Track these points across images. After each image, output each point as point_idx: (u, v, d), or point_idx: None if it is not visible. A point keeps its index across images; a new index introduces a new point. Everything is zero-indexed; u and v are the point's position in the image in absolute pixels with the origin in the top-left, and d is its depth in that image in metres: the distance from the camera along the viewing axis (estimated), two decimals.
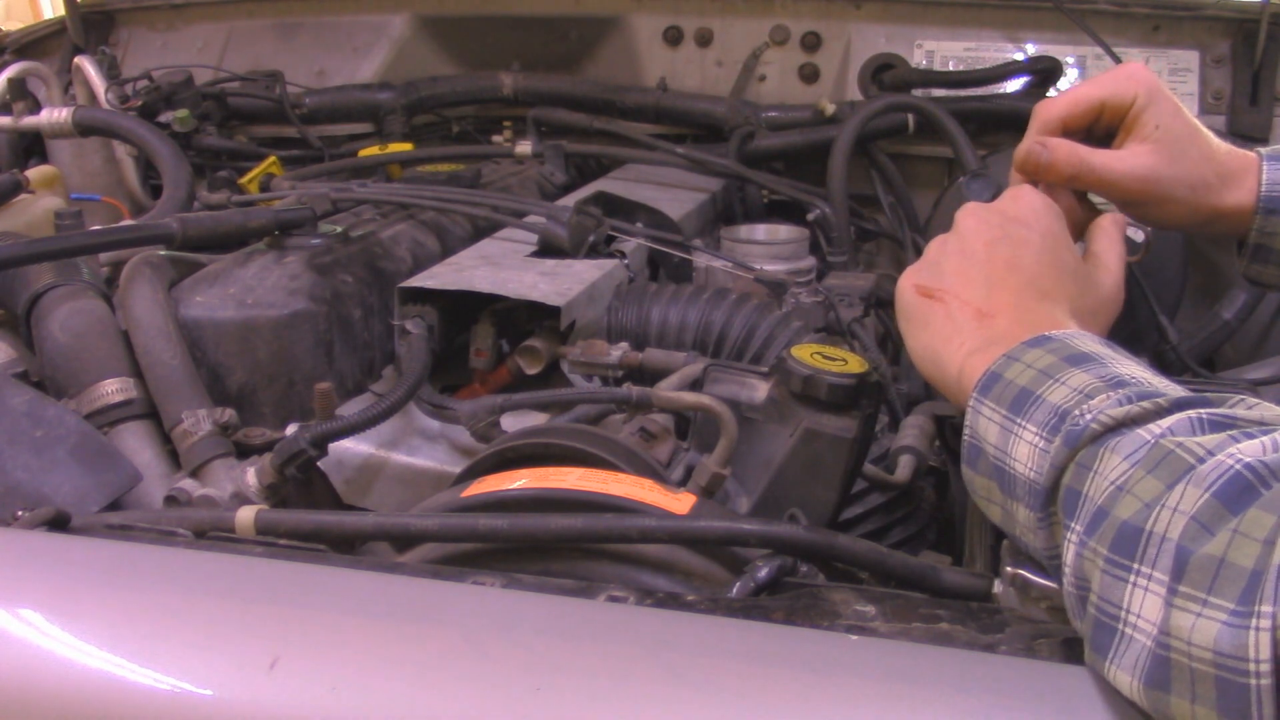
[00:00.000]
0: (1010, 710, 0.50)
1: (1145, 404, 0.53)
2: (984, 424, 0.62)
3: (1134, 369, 0.59)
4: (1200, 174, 0.81)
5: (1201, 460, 0.48)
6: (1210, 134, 0.83)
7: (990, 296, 0.70)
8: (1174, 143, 0.80)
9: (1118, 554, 0.49)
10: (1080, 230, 0.88)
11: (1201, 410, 0.52)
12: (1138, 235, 1.46)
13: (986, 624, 0.58)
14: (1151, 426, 0.52)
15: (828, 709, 0.50)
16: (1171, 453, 0.50)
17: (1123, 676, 0.48)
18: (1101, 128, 0.83)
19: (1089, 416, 0.54)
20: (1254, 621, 0.42)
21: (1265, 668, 0.41)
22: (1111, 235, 0.80)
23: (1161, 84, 0.82)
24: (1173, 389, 0.56)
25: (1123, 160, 0.81)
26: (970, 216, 0.77)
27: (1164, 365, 1.46)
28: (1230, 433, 0.50)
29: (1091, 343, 0.62)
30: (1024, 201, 0.77)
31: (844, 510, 1.00)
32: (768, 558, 0.67)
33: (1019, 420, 0.59)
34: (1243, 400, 0.53)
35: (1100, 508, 0.51)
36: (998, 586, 0.63)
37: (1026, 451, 0.58)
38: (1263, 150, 0.83)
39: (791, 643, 0.56)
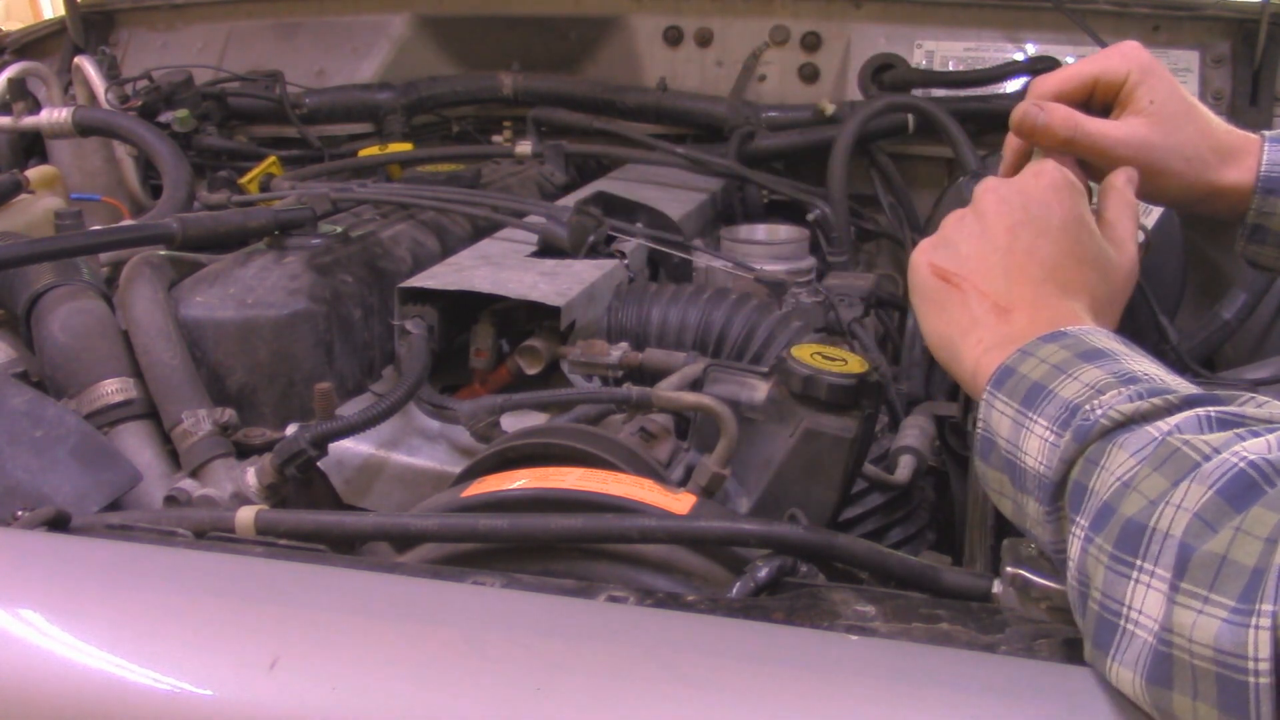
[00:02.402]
0: (1010, 710, 0.50)
1: (1155, 400, 0.54)
2: (996, 417, 0.62)
3: (1147, 366, 0.59)
4: (1196, 147, 0.81)
5: (1207, 458, 0.48)
6: (1209, 112, 0.83)
7: (1010, 290, 0.69)
8: (1169, 116, 0.80)
9: (1121, 550, 0.49)
10: None
11: (1210, 408, 0.52)
12: (1137, 235, 1.46)
13: (986, 624, 0.58)
14: (1160, 424, 0.52)
15: (828, 709, 0.50)
16: (1178, 450, 0.50)
17: (1124, 673, 0.48)
18: (1096, 104, 0.84)
19: (1099, 412, 0.55)
20: (1254, 620, 0.42)
21: (1265, 666, 0.42)
22: (1124, 197, 0.77)
23: (1156, 62, 0.82)
24: (1184, 386, 0.56)
25: (1118, 128, 0.81)
26: (991, 194, 0.74)
27: (1164, 365, 1.46)
28: (1237, 430, 0.50)
29: (1106, 339, 0.63)
30: (1046, 179, 0.74)
31: (844, 510, 1.00)
32: (768, 558, 0.67)
33: (1030, 414, 0.59)
34: (1252, 399, 0.53)
35: (1106, 503, 0.51)
36: (998, 586, 0.63)
37: (1037, 445, 0.58)
38: (1267, 132, 0.83)
39: (791, 643, 0.56)
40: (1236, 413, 0.52)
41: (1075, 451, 0.55)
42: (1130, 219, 0.77)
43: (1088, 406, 0.56)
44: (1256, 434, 0.49)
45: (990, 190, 0.74)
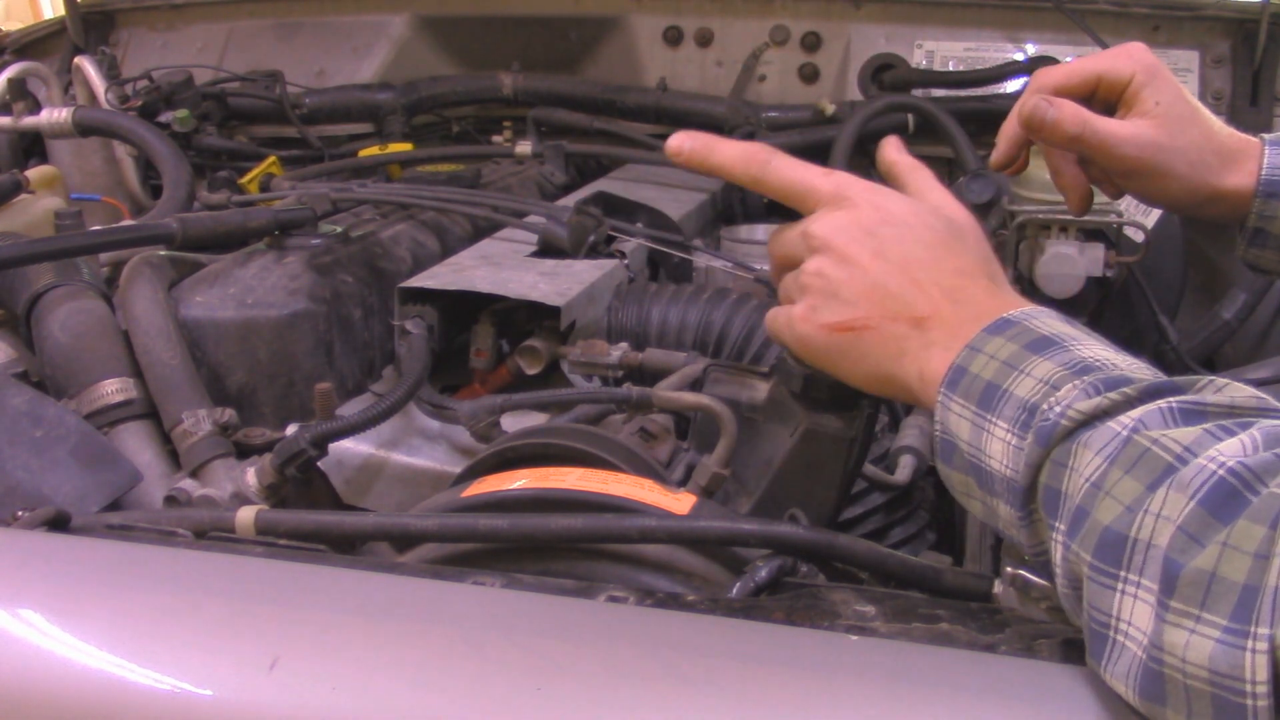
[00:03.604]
0: (1010, 710, 0.50)
1: (1114, 395, 0.52)
2: (955, 420, 0.61)
3: (1097, 349, 0.58)
4: (1200, 151, 0.81)
5: (1180, 459, 0.47)
6: (1211, 115, 0.83)
7: (917, 301, 0.65)
8: (1174, 119, 0.80)
9: (1103, 561, 0.48)
10: (1080, 202, 0.88)
11: (1171, 399, 0.51)
12: (1137, 235, 1.46)
13: (986, 624, 0.58)
14: (1122, 419, 0.51)
15: (828, 709, 0.50)
16: (1147, 450, 0.49)
17: (1118, 684, 0.48)
18: (1099, 102, 0.83)
19: (1058, 410, 0.53)
20: (1250, 643, 0.42)
21: (1263, 689, 0.41)
22: (908, 162, 0.75)
23: (1161, 64, 0.82)
24: (1140, 371, 0.55)
25: (1124, 127, 0.80)
26: (834, 234, 0.68)
27: (1164, 365, 1.46)
28: (1205, 426, 0.49)
29: (1051, 321, 0.61)
30: (862, 197, 0.69)
31: (844, 510, 1.00)
32: (768, 558, 0.66)
33: (989, 416, 0.58)
34: (1211, 382, 0.52)
35: (1080, 507, 0.50)
36: (998, 586, 0.63)
37: (1000, 448, 0.57)
38: (1266, 135, 0.83)
39: (791, 643, 0.56)
40: (1197, 401, 0.51)
41: (1040, 455, 0.54)
42: (928, 178, 0.74)
43: (1045, 406, 0.54)
44: (1229, 430, 0.48)
45: (830, 232, 0.68)
